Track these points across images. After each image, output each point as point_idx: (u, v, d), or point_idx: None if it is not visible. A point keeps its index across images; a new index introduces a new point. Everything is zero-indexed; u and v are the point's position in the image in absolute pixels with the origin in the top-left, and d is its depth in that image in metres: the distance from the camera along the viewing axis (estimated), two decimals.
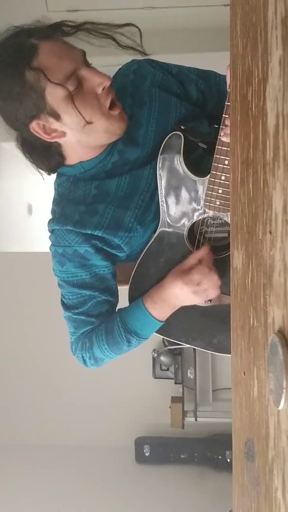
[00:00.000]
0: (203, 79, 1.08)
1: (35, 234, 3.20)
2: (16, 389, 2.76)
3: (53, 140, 0.94)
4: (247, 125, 0.57)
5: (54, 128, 0.91)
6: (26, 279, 2.75)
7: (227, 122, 0.85)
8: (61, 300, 1.09)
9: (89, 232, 1.00)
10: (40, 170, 1.04)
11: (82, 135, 0.92)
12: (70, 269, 1.03)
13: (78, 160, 1.01)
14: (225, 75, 0.83)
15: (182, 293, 1.00)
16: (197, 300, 1.02)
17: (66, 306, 1.08)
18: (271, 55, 0.46)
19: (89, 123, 0.89)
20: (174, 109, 1.03)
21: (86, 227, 1.00)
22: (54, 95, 0.86)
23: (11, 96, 0.87)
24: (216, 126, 0.89)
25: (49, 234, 1.06)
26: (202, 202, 0.98)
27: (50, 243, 1.05)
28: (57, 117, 0.89)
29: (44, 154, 1.00)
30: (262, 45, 0.50)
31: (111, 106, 0.92)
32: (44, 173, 1.05)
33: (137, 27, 0.91)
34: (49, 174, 1.06)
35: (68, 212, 1.01)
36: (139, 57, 0.96)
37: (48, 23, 0.88)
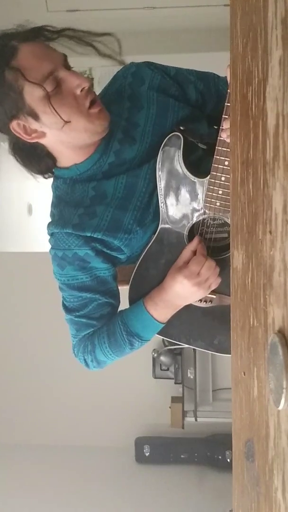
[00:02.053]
0: (201, 81, 1.08)
1: (35, 234, 3.19)
2: (16, 389, 2.76)
3: (33, 141, 0.95)
4: (247, 125, 0.57)
5: (34, 128, 0.92)
6: (26, 279, 2.75)
7: (227, 123, 0.84)
8: (63, 303, 1.09)
9: (88, 234, 1.00)
10: (34, 174, 1.04)
11: (62, 135, 0.93)
12: (71, 272, 1.03)
13: (72, 162, 1.01)
14: (225, 76, 0.84)
15: (184, 288, 1.00)
16: (200, 292, 1.01)
17: (67, 309, 1.08)
18: (271, 55, 0.46)
19: (66, 122, 0.90)
20: (172, 111, 1.03)
21: (85, 229, 1.00)
22: (32, 95, 0.87)
23: None
24: (216, 127, 0.89)
25: (48, 236, 1.06)
26: (202, 203, 0.98)
27: (50, 245, 1.05)
28: (35, 117, 0.90)
29: (33, 156, 1.00)
30: (262, 45, 0.50)
31: (91, 104, 0.92)
32: (40, 177, 1.05)
33: (115, 37, 0.93)
34: (44, 177, 1.06)
35: (66, 214, 1.01)
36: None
37: (30, 27, 0.90)
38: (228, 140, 0.87)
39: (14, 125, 0.91)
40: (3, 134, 0.97)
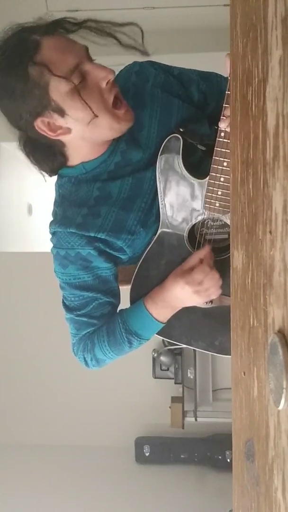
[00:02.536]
0: (204, 80, 1.08)
1: (35, 234, 3.20)
2: (16, 389, 2.76)
3: (58, 138, 0.93)
4: (247, 125, 0.57)
5: (59, 125, 0.91)
6: (26, 279, 2.75)
7: (228, 111, 0.84)
8: (63, 301, 1.09)
9: (92, 234, 1.00)
10: (42, 172, 1.03)
11: (87, 131, 0.91)
12: (73, 271, 1.03)
13: (80, 160, 1.01)
14: (227, 76, 0.83)
15: (184, 293, 1.00)
16: (199, 300, 1.01)
17: (68, 308, 1.08)
18: (271, 55, 0.46)
19: (96, 116, 0.88)
20: (176, 111, 1.03)
21: (89, 229, 0.99)
22: (58, 89, 0.85)
23: (15, 94, 0.86)
24: (217, 127, 0.89)
25: (50, 235, 1.06)
26: (201, 204, 0.98)
27: (51, 244, 1.05)
28: (61, 113, 0.88)
29: (47, 154, 0.99)
30: (262, 45, 0.50)
31: (116, 104, 0.91)
32: (46, 175, 1.05)
33: (139, 26, 0.90)
34: (50, 175, 1.05)
35: (70, 214, 1.01)
36: (141, 57, 0.96)
37: (50, 20, 0.88)
38: (228, 130, 0.87)
39: (39, 123, 0.89)
40: (10, 131, 0.96)
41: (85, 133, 0.92)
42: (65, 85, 0.85)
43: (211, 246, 1.02)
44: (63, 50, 0.85)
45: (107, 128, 0.92)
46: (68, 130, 0.92)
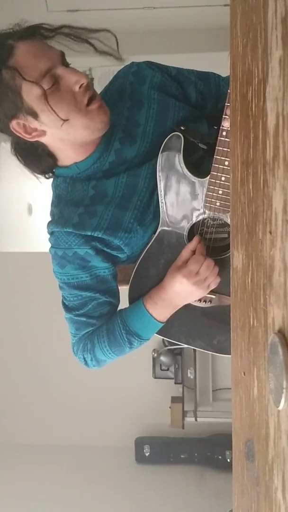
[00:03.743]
0: (202, 81, 1.08)
1: (35, 234, 3.19)
2: (16, 389, 2.76)
3: (34, 140, 0.94)
4: (247, 125, 0.57)
5: (34, 127, 0.92)
6: (26, 279, 2.75)
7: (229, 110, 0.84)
8: (62, 301, 1.09)
9: (89, 233, 1.00)
10: (36, 174, 1.04)
11: (62, 133, 0.92)
12: (71, 271, 1.03)
13: (72, 161, 1.01)
14: (226, 76, 0.83)
15: (183, 287, 1.00)
16: (199, 292, 1.01)
17: (67, 308, 1.08)
18: (271, 55, 0.46)
19: (65, 120, 0.89)
20: (172, 111, 1.03)
21: (86, 228, 1.00)
22: (30, 93, 0.87)
23: None
24: (216, 127, 0.89)
25: (48, 235, 1.06)
26: (202, 203, 0.98)
27: (49, 244, 1.05)
28: (35, 115, 0.90)
29: (34, 156, 1.00)
30: (262, 45, 0.50)
31: (90, 101, 0.91)
32: (41, 177, 1.05)
33: (112, 33, 0.92)
34: (45, 177, 1.06)
35: (67, 214, 1.01)
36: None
37: (26, 25, 0.90)
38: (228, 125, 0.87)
39: (14, 125, 0.91)
40: (4, 135, 0.97)
41: (60, 135, 0.93)
42: (35, 89, 0.86)
43: (208, 243, 1.03)
44: (36, 55, 0.87)
45: (82, 128, 0.92)
46: (43, 132, 0.93)
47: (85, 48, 0.91)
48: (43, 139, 0.95)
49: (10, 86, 0.86)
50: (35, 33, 0.89)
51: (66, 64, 0.91)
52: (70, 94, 0.89)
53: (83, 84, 0.89)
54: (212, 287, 1.02)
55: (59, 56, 0.90)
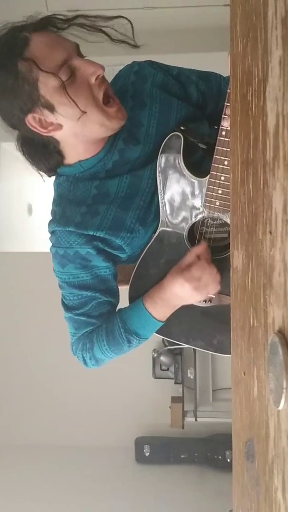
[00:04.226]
0: (203, 80, 1.08)
1: (35, 234, 3.20)
2: (16, 389, 2.76)
3: (49, 134, 0.93)
4: (247, 125, 0.57)
5: (50, 121, 0.91)
6: (26, 279, 2.75)
7: (228, 110, 0.84)
8: (62, 301, 1.09)
9: (91, 233, 1.00)
10: (41, 172, 1.03)
11: (78, 127, 0.92)
12: (71, 270, 1.03)
13: (77, 159, 1.01)
14: (226, 76, 0.84)
15: (183, 290, 1.00)
16: (198, 297, 1.01)
17: (67, 307, 1.08)
18: (271, 55, 0.46)
19: (83, 112, 0.88)
20: (174, 110, 1.03)
21: (88, 228, 0.99)
22: (47, 85, 0.86)
23: (6, 91, 0.87)
24: (216, 127, 0.89)
25: (49, 235, 1.06)
26: (202, 202, 0.98)
27: (50, 244, 1.05)
28: (51, 108, 0.89)
29: (43, 153, 0.99)
30: (262, 45, 0.50)
31: (108, 102, 0.91)
32: (45, 175, 1.05)
33: (127, 19, 0.91)
34: (49, 175, 1.05)
35: (68, 213, 1.01)
36: (131, 50, 0.96)
37: (40, 17, 0.89)
38: (227, 125, 0.87)
39: (30, 119, 0.90)
40: (6, 132, 0.96)
41: (76, 129, 0.92)
42: (53, 80, 0.85)
43: (210, 246, 1.02)
44: (51, 46, 0.86)
45: (98, 124, 0.92)
46: (59, 127, 0.92)
47: (99, 38, 0.90)
48: (58, 134, 0.94)
49: (27, 79, 0.85)
50: (50, 24, 0.88)
51: (81, 56, 0.90)
52: (86, 86, 0.88)
53: (99, 75, 0.88)
54: (211, 294, 1.02)
55: (75, 47, 0.89)
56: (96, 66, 0.88)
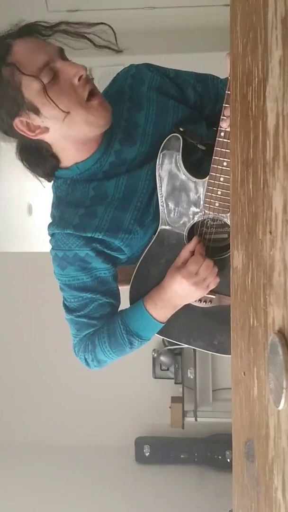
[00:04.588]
0: (200, 83, 1.08)
1: (35, 234, 3.19)
2: (16, 389, 2.76)
3: (38, 137, 0.94)
4: (247, 125, 0.57)
5: (37, 125, 0.92)
6: (26, 279, 2.75)
7: (228, 111, 0.84)
8: (63, 303, 1.09)
9: (89, 235, 1.00)
10: (39, 178, 1.04)
11: (64, 128, 0.92)
12: (71, 272, 1.03)
13: (73, 161, 1.01)
14: (224, 78, 0.84)
15: (182, 287, 1.00)
16: (199, 292, 1.01)
17: (68, 309, 1.08)
18: (271, 55, 0.46)
19: (66, 112, 0.89)
20: (171, 112, 1.03)
21: (86, 230, 1.00)
22: (30, 88, 0.87)
23: None
24: (214, 128, 0.89)
25: (49, 237, 1.06)
26: (201, 203, 0.98)
27: (50, 246, 1.05)
28: (36, 111, 0.89)
29: (38, 157, 1.00)
30: (262, 45, 0.50)
31: (90, 97, 0.91)
32: (44, 180, 1.05)
33: (109, 25, 0.92)
34: (48, 180, 1.06)
35: (67, 215, 1.01)
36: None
37: (23, 24, 0.90)
38: (228, 129, 0.87)
39: (18, 123, 0.91)
40: (8, 138, 0.97)
41: (63, 131, 0.93)
42: (35, 83, 0.86)
43: (207, 243, 1.03)
44: (33, 50, 0.87)
45: (83, 122, 0.92)
46: (46, 129, 0.93)
47: (84, 44, 0.91)
48: (47, 138, 0.95)
49: (10, 83, 0.86)
50: (33, 31, 0.90)
51: (64, 59, 0.91)
52: (70, 87, 0.89)
53: (82, 76, 0.89)
54: (212, 287, 1.02)
55: (57, 51, 0.90)
56: (78, 67, 0.89)
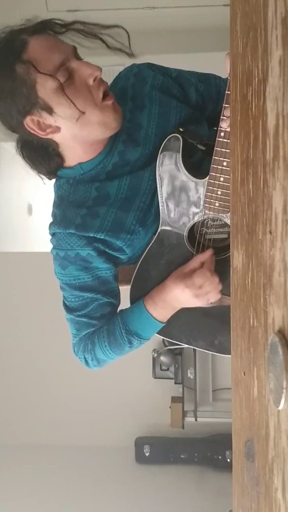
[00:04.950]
0: (202, 82, 1.08)
1: (35, 234, 3.20)
2: (16, 389, 2.76)
3: (48, 137, 0.93)
4: (247, 125, 0.57)
5: (49, 124, 0.91)
6: (26, 279, 2.75)
7: (227, 111, 0.84)
8: (63, 302, 1.09)
9: (91, 235, 1.00)
10: (41, 175, 1.03)
11: (76, 128, 0.92)
12: (72, 272, 1.03)
13: (77, 161, 1.01)
14: (226, 77, 0.83)
15: (184, 295, 1.00)
16: (198, 303, 1.02)
17: (68, 309, 1.08)
18: (271, 55, 0.46)
19: (82, 112, 0.89)
20: (174, 111, 1.03)
21: (88, 230, 1.00)
22: (45, 87, 0.86)
23: (4, 93, 0.88)
24: (215, 128, 0.89)
25: (49, 236, 1.06)
26: (201, 203, 0.98)
27: (50, 244, 1.05)
28: (50, 110, 0.89)
29: (43, 156, 0.99)
30: (262, 45, 0.50)
31: (104, 97, 0.91)
32: (45, 178, 1.05)
33: (125, 29, 0.92)
34: (49, 178, 1.06)
35: (69, 215, 1.01)
36: (127, 58, 0.96)
37: (38, 20, 0.89)
38: (228, 129, 0.87)
39: (28, 122, 0.90)
40: (5, 135, 0.96)
41: (74, 131, 0.93)
42: (51, 82, 0.85)
43: (207, 243, 1.02)
44: (49, 48, 0.86)
45: (97, 123, 0.92)
46: (58, 129, 0.92)
47: (96, 44, 0.91)
48: (56, 137, 0.95)
49: (25, 81, 0.85)
50: (47, 28, 0.89)
51: (79, 58, 0.90)
52: (85, 88, 0.89)
53: (97, 77, 0.89)
54: (212, 300, 1.02)
55: (72, 50, 0.89)
56: (94, 67, 0.89)
